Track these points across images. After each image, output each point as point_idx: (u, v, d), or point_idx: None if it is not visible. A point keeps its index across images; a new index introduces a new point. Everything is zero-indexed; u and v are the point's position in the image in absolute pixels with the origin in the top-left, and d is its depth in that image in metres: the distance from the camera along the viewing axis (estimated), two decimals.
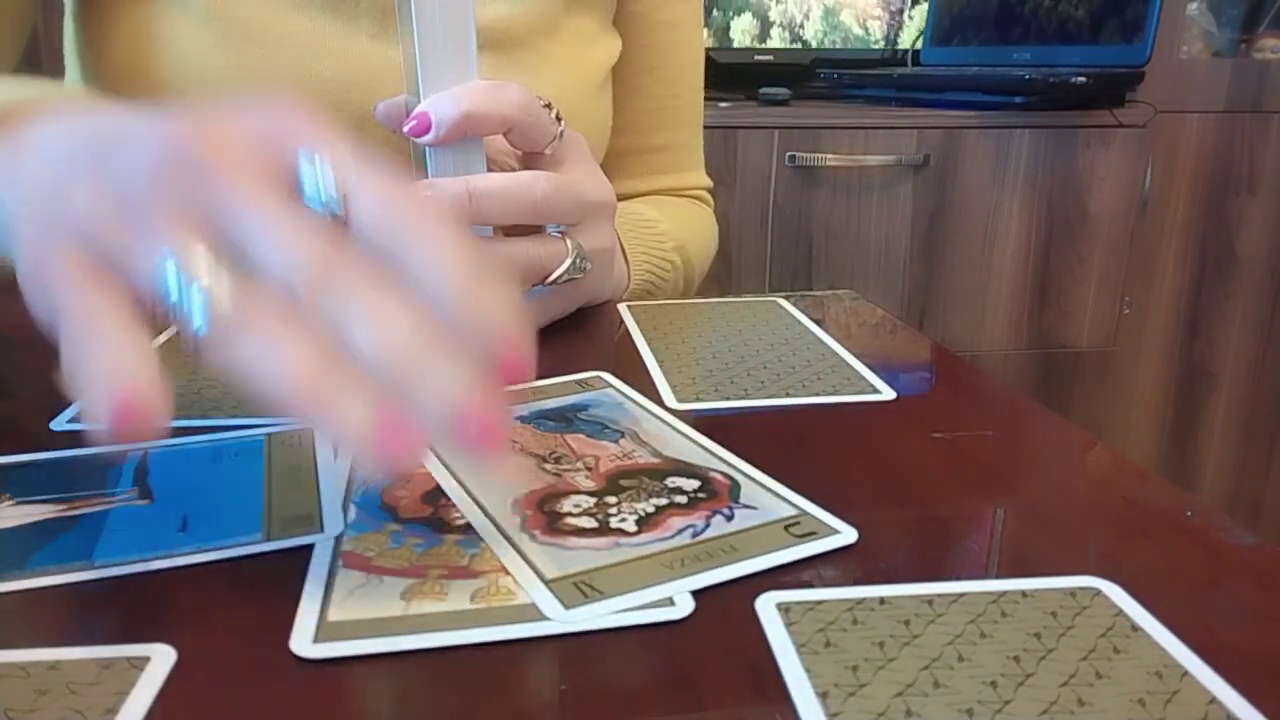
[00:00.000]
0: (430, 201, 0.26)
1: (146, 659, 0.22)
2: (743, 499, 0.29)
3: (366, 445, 0.23)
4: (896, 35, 1.62)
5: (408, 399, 0.23)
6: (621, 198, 0.71)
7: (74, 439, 0.34)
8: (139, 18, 0.54)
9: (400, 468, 0.30)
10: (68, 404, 0.37)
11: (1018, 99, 1.32)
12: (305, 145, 0.26)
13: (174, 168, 0.25)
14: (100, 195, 0.26)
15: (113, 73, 0.55)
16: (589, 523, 0.28)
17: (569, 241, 0.45)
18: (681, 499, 0.29)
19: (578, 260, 0.45)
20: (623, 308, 0.51)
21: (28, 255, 0.26)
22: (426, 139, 0.41)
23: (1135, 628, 0.23)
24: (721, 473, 0.31)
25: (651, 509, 0.29)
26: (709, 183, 0.78)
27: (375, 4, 0.55)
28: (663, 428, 0.35)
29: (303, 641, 0.22)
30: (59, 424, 0.35)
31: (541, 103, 0.44)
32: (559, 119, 0.45)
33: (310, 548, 0.27)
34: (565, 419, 0.36)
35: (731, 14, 1.55)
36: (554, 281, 0.45)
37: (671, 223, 0.65)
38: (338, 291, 0.24)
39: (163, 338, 0.45)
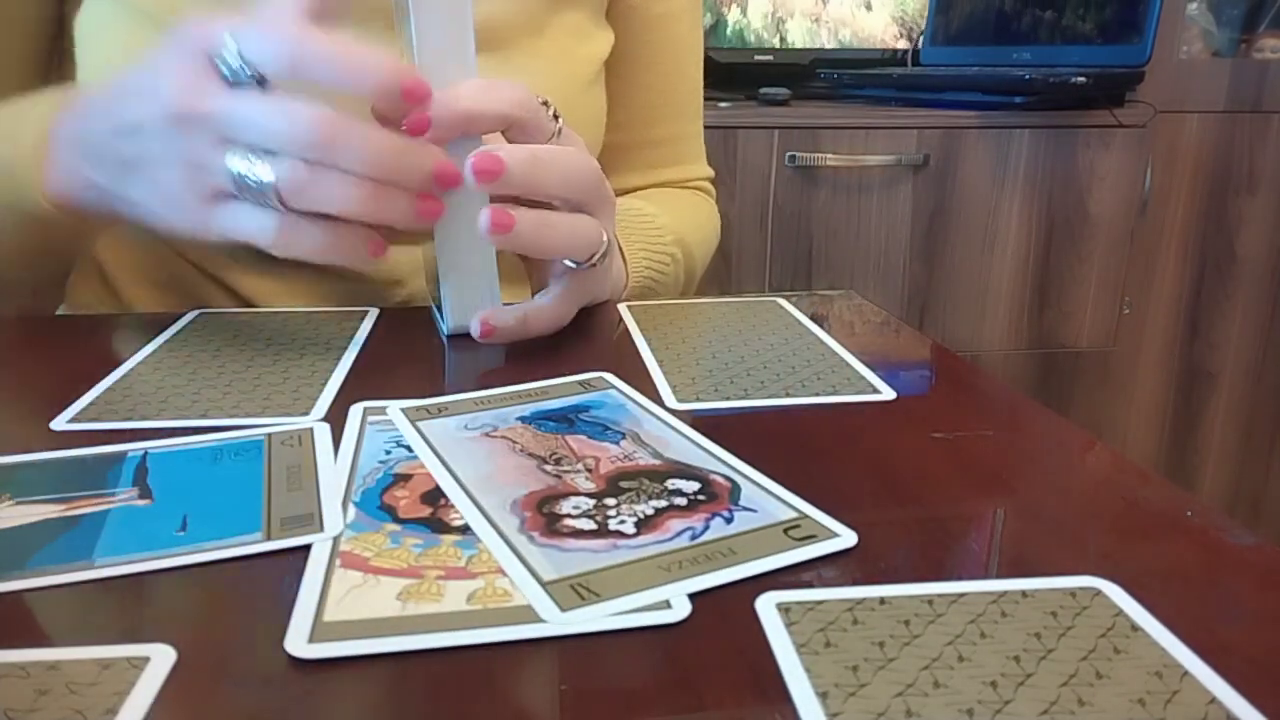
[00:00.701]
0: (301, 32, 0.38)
1: (146, 659, 0.22)
2: (743, 501, 0.29)
3: (415, 217, 0.40)
4: (918, 45, 1.62)
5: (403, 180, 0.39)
6: (624, 192, 0.71)
7: (74, 439, 0.34)
8: (116, 39, 0.53)
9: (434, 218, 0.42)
10: (68, 404, 0.37)
11: (1018, 99, 1.32)
12: (210, 48, 0.38)
13: (170, 121, 0.39)
14: (157, 159, 0.40)
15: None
16: (588, 524, 0.28)
17: (597, 223, 0.45)
18: (681, 501, 0.29)
19: (606, 244, 0.46)
20: (623, 308, 0.51)
21: (166, 213, 0.41)
22: (425, 137, 0.41)
23: (1135, 628, 0.23)
24: (722, 475, 0.31)
25: (651, 511, 0.29)
26: (710, 172, 0.77)
27: (362, 8, 0.53)
28: (664, 429, 0.35)
29: (298, 642, 0.22)
30: (59, 424, 0.35)
31: (539, 100, 0.44)
32: (556, 117, 0.45)
33: (309, 548, 0.27)
34: (567, 420, 0.36)
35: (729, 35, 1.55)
36: (592, 262, 0.45)
37: (670, 216, 0.65)
38: (325, 141, 0.37)
39: (158, 341, 0.45)
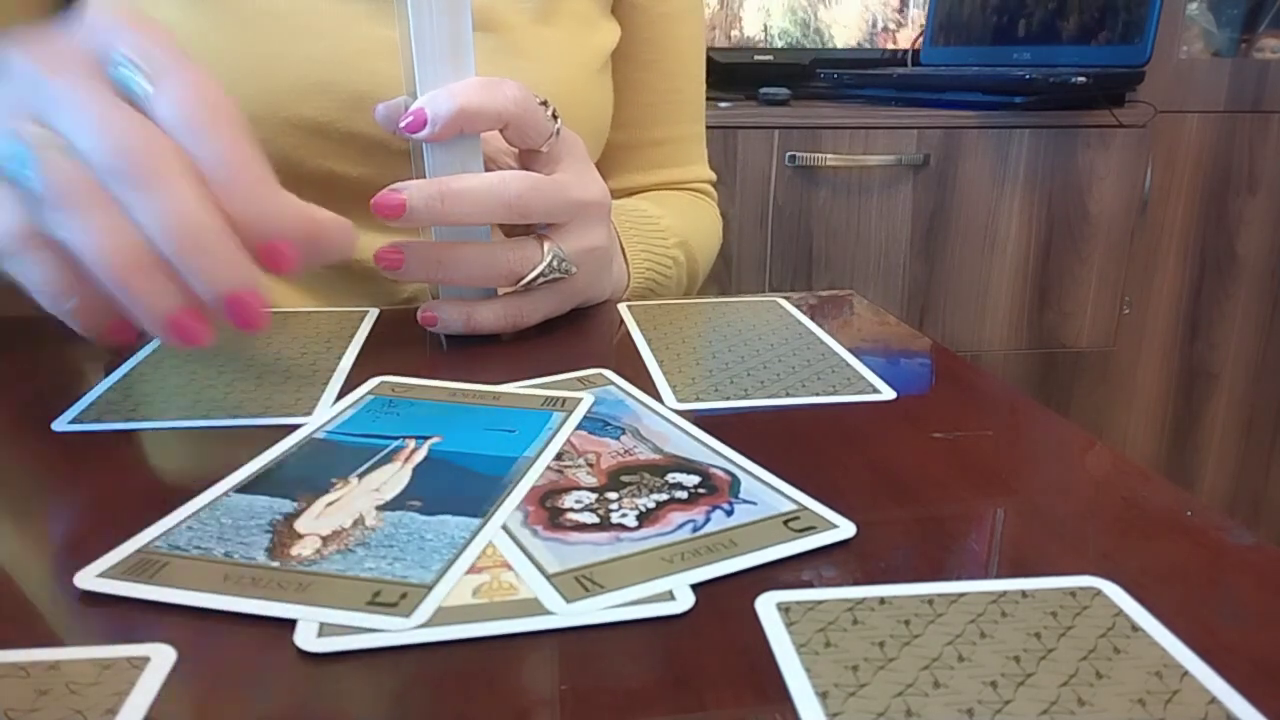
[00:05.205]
0: (221, 106, 0.33)
1: (146, 659, 0.22)
2: (743, 494, 0.29)
3: (163, 328, 0.32)
4: (917, 45, 1.62)
5: (188, 279, 0.31)
6: (624, 192, 0.71)
7: (75, 439, 0.34)
8: None
9: (191, 344, 0.33)
10: (69, 405, 0.37)
11: (1018, 99, 1.32)
12: (121, 46, 0.32)
13: (16, 79, 0.32)
14: None
15: None
16: (590, 518, 0.28)
17: (546, 244, 0.45)
18: (682, 494, 0.29)
19: (555, 261, 0.45)
20: (622, 307, 0.51)
21: None
22: (422, 135, 0.41)
23: (1135, 628, 0.23)
24: (722, 469, 0.31)
25: (652, 504, 0.29)
26: (712, 175, 0.77)
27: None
28: (664, 424, 0.35)
29: (307, 636, 0.23)
30: (60, 425, 0.35)
31: (538, 100, 0.44)
32: (555, 116, 0.45)
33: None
34: None
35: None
36: (528, 283, 0.44)
37: (674, 219, 0.65)
38: (138, 174, 0.30)
39: (159, 341, 0.45)
